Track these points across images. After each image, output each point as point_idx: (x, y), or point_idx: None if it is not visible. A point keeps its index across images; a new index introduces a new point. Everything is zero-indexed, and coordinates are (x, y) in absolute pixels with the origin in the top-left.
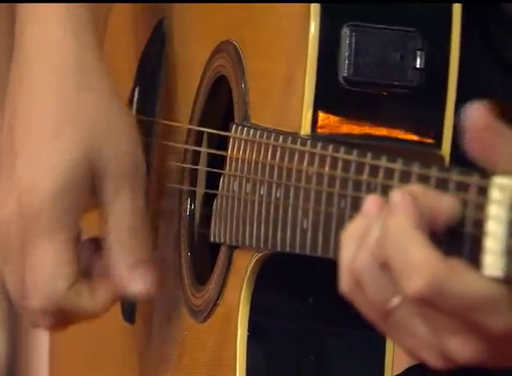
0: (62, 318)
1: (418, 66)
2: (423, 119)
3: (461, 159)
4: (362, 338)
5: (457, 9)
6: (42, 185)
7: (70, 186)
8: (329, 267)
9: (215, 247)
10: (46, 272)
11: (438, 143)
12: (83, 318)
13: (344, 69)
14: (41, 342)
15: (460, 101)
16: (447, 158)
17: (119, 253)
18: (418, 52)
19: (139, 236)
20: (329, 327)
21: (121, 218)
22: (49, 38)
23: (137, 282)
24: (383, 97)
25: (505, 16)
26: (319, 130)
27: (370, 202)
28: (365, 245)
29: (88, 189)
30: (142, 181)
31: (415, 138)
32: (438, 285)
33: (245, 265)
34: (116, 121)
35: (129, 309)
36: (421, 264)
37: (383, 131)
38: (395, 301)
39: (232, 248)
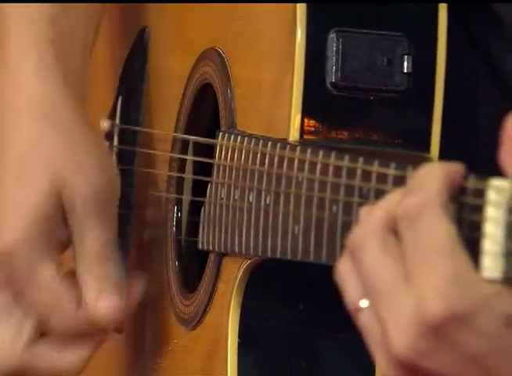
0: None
1: (405, 70)
2: (411, 123)
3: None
4: (354, 343)
5: (443, 12)
6: (13, 223)
7: (41, 220)
8: (319, 273)
9: (203, 255)
10: (51, 297)
11: (427, 147)
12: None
13: (332, 74)
14: None
15: (448, 104)
16: (435, 162)
17: (86, 281)
18: (405, 57)
19: (106, 264)
20: (320, 333)
21: (88, 248)
22: (14, 71)
23: (104, 308)
24: (371, 102)
25: (492, 18)
26: (308, 136)
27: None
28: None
29: (57, 224)
30: (112, 208)
31: (403, 142)
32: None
33: (234, 272)
34: (82, 150)
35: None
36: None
37: (371, 136)
38: (365, 303)
39: (220, 256)
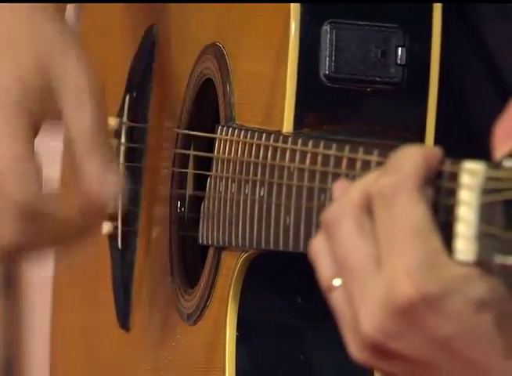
0: (40, 225)
1: (399, 62)
2: (406, 114)
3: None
4: None
5: (437, 4)
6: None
7: (27, 89)
8: None
9: (204, 250)
10: (17, 168)
11: (421, 138)
12: (63, 229)
13: (325, 66)
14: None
15: (442, 96)
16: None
17: (89, 157)
18: (399, 48)
19: (103, 138)
20: (318, 326)
21: (83, 132)
22: None
23: (110, 182)
24: (365, 94)
25: (486, 10)
26: (302, 128)
27: (339, 187)
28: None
29: (45, 93)
30: (100, 97)
31: (398, 133)
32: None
33: (232, 265)
34: (72, 38)
35: (124, 315)
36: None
37: (365, 128)
38: (337, 282)
39: (219, 250)
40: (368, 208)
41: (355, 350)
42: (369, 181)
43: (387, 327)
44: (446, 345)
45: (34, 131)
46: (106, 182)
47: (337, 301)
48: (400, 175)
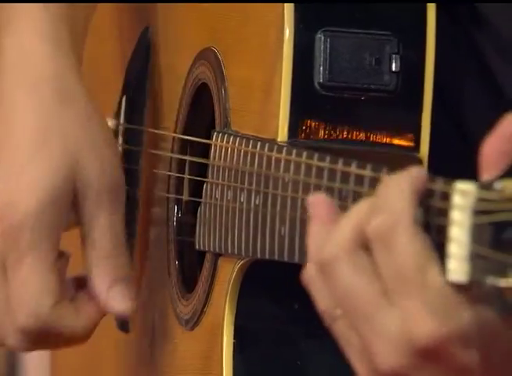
0: (44, 339)
1: (394, 69)
2: (401, 122)
3: (439, 161)
4: None
5: (432, 11)
6: (25, 199)
7: (53, 202)
8: None
9: (202, 255)
10: (31, 288)
11: (416, 146)
12: (67, 339)
13: (320, 74)
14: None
15: (437, 103)
16: (425, 161)
17: (97, 272)
18: (394, 56)
19: (117, 255)
20: (315, 333)
21: (99, 238)
22: (27, 49)
23: (116, 300)
24: (359, 101)
25: (479, 16)
26: (296, 136)
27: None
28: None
29: (69, 206)
30: (122, 198)
31: (393, 141)
32: None
33: (229, 272)
34: (98, 135)
35: (123, 318)
36: None
37: (360, 136)
38: (338, 312)
39: (216, 256)
40: (363, 245)
41: None
42: (361, 216)
43: (408, 364)
44: (465, 371)
45: (57, 244)
46: (110, 298)
47: (342, 331)
48: (394, 214)
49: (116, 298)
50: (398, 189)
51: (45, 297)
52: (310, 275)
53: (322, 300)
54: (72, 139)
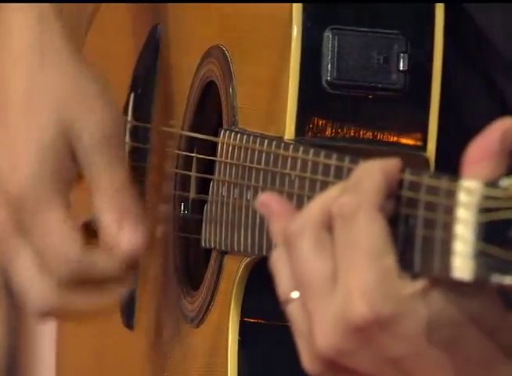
0: (88, 287)
1: (402, 68)
2: (408, 121)
3: (446, 160)
4: None
5: (440, 10)
6: (24, 160)
7: (51, 158)
8: None
9: (208, 253)
10: (54, 239)
11: (423, 145)
12: (108, 288)
13: (328, 72)
14: (44, 347)
15: (444, 102)
16: (432, 160)
17: (105, 209)
18: (401, 55)
19: (123, 194)
20: None
21: (103, 180)
22: (10, 24)
23: (126, 234)
24: (367, 100)
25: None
26: (303, 134)
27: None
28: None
29: (68, 158)
30: (120, 143)
31: (400, 140)
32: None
33: (235, 270)
34: (87, 89)
35: (128, 314)
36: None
37: (367, 135)
38: (295, 294)
39: (222, 253)
40: (328, 225)
41: (308, 362)
42: (331, 196)
43: (340, 344)
44: (397, 365)
45: (66, 195)
46: (120, 234)
47: (293, 314)
48: (360, 195)
49: (126, 233)
50: (369, 174)
51: (70, 244)
52: (274, 255)
53: (282, 280)
54: (59, 95)
